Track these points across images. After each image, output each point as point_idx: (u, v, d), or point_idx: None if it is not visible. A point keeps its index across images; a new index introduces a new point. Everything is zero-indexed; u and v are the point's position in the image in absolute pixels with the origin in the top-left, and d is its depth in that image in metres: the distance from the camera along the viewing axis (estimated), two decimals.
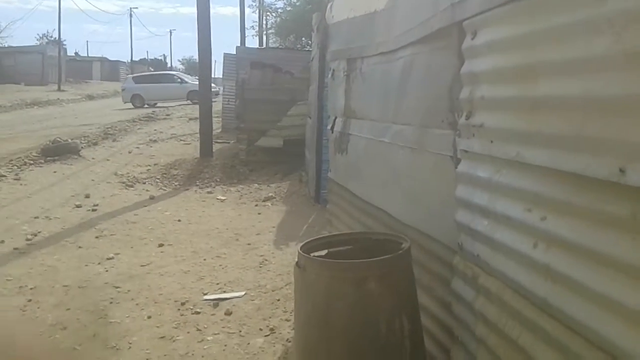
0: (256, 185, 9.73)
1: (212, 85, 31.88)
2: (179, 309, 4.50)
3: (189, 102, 29.25)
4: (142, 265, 5.59)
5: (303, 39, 23.61)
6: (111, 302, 4.62)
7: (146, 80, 31.58)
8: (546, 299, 1.82)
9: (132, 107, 28.51)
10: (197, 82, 30.02)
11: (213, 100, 29.22)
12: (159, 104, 29.71)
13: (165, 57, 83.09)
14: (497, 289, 2.16)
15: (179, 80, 31.23)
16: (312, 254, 2.83)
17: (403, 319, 2.63)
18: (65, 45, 52.19)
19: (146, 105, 29.00)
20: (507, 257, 2.08)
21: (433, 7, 2.79)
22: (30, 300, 4.61)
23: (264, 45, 30.71)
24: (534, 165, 1.89)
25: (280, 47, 25.81)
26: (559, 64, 1.73)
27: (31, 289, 4.87)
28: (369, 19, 4.15)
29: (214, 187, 9.68)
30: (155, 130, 17.91)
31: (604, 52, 1.53)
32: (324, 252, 3.00)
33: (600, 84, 1.55)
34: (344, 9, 4.97)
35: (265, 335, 4.02)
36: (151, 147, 14.18)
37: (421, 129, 3.11)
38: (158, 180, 10.14)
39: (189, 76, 34.33)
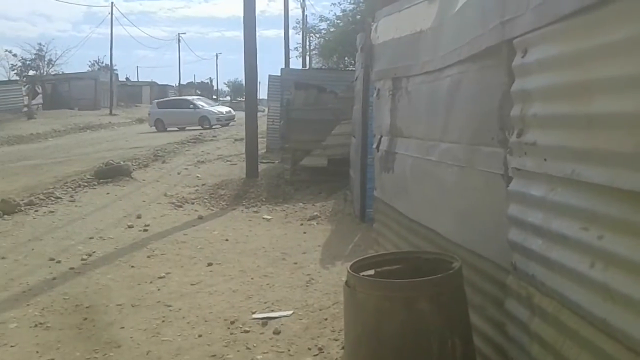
0: (301, 204, 9.80)
1: (229, 109, 32.10)
2: (228, 328, 4.55)
3: (199, 127, 28.93)
4: (192, 284, 5.69)
5: (346, 59, 23.79)
6: (163, 321, 4.71)
7: (167, 105, 31.59)
8: (605, 320, 1.77)
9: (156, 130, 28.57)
10: (211, 108, 30.59)
11: (231, 124, 29.52)
12: (187, 128, 29.55)
13: (211, 80, 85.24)
14: (554, 309, 2.12)
15: (191, 106, 31.13)
16: (361, 273, 2.83)
17: (455, 339, 2.59)
18: (116, 70, 54.19)
19: (169, 129, 28.75)
20: (564, 277, 2.04)
21: (481, 25, 2.79)
22: (85, 319, 4.76)
23: (308, 66, 31.12)
24: (590, 183, 1.85)
25: (324, 67, 26.10)
26: (615, 81, 1.71)
27: (87, 307, 5.03)
28: (414, 39, 4.17)
29: (260, 207, 9.80)
30: (202, 151, 18.31)
31: None
32: (372, 272, 2.99)
33: None
34: (390, 29, 5.00)
35: (314, 355, 4.02)
36: (199, 168, 14.50)
37: (470, 147, 3.09)
38: (206, 201, 10.35)
39: (208, 101, 34.21)
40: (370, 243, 5.87)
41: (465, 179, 3.18)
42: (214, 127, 29.15)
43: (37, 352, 4.11)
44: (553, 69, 2.09)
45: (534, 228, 2.26)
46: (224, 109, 32.14)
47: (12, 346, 4.21)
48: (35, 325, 4.60)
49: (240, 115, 17.97)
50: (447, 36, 3.49)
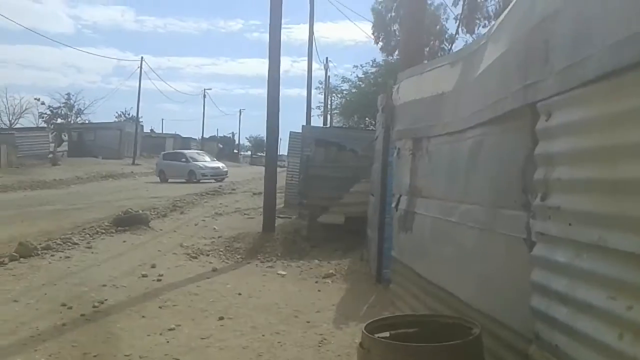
0: (317, 261, 9.67)
1: (220, 165, 32.10)
2: None
3: (184, 180, 29.16)
4: (202, 338, 5.56)
5: (367, 119, 24.14)
6: None
7: (169, 157, 32.42)
8: None
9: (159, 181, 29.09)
10: (198, 163, 30.69)
11: (224, 179, 29.43)
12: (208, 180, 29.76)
13: (233, 135, 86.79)
14: None
15: (183, 159, 31.47)
16: (375, 335, 2.75)
17: None
18: (142, 122, 55.63)
19: (170, 181, 29.13)
20: (590, 349, 1.94)
21: (504, 88, 2.80)
22: None
23: (329, 125, 31.60)
24: (618, 250, 1.79)
25: (344, 126, 26.47)
26: (638, 146, 1.68)
27: (94, 356, 4.93)
28: (436, 100, 4.21)
29: (275, 262, 9.70)
30: (220, 204, 18.39)
31: None
32: (387, 334, 2.90)
33: None
34: (411, 91, 5.08)
35: None
36: (216, 220, 14.51)
37: (492, 209, 3.04)
38: (221, 253, 10.28)
39: (204, 156, 34.23)
40: (386, 304, 5.73)
41: (486, 242, 3.12)
42: (201, 181, 29.12)
43: None
44: (577, 133, 2.07)
45: (559, 295, 2.18)
46: (215, 164, 32.14)
47: None
48: None
49: (260, 170, 18.12)
50: (469, 98, 3.52)
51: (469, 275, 3.33)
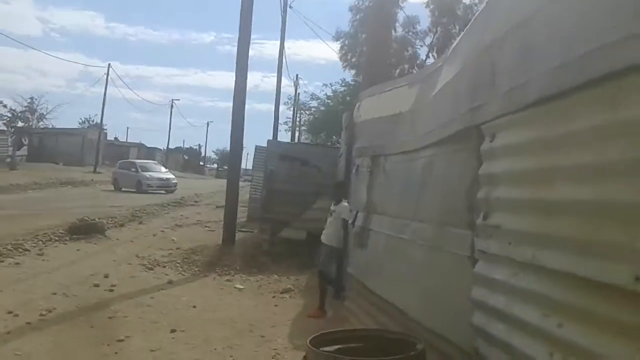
0: (276, 276, 9.62)
1: (169, 177, 31.88)
2: None
3: (135, 190, 28.88)
4: (151, 350, 5.45)
5: (334, 137, 24.31)
6: None
7: (123, 166, 32.07)
8: None
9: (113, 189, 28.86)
10: (146, 173, 30.50)
11: (174, 190, 29.30)
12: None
13: (200, 147, 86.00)
14: None
15: (133, 169, 31.15)
16: (321, 349, 2.75)
17: None
18: (106, 129, 54.64)
19: (123, 190, 28.89)
20: None
21: (454, 110, 2.88)
22: None
23: (297, 140, 31.66)
24: (550, 269, 1.85)
25: (311, 142, 26.56)
26: (574, 169, 1.75)
27: None
28: (393, 119, 4.29)
29: (234, 275, 9.60)
30: (181, 215, 18.15)
31: (618, 158, 1.54)
32: (334, 348, 2.90)
33: (615, 189, 1.55)
34: (371, 109, 5.15)
35: None
36: (175, 231, 14.30)
37: (440, 228, 3.10)
38: (178, 265, 10.12)
39: (156, 166, 33.87)
40: (342, 321, 5.73)
41: (433, 260, 3.17)
42: (149, 191, 28.83)
43: None
44: (517, 155, 2.14)
45: (497, 312, 2.23)
46: (163, 176, 31.79)
47: None
48: None
49: (225, 183, 17.99)
50: (423, 118, 3.60)
51: (417, 292, 3.37)
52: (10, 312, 6.18)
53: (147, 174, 30.44)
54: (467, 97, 2.68)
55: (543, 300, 1.92)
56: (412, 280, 3.52)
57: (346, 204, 7.20)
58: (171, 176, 31.92)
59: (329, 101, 26.71)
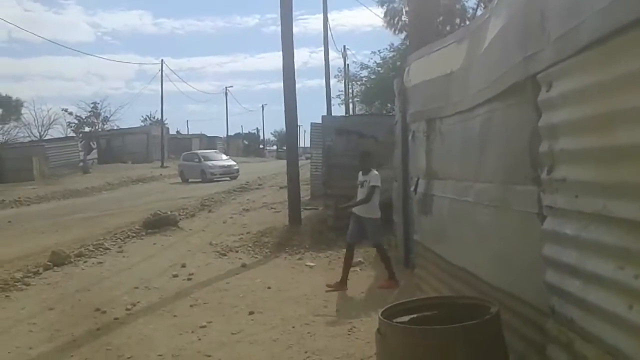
0: (344, 250, 9.68)
1: (231, 163, 32.09)
2: None
3: (200, 180, 29.31)
4: (233, 334, 5.65)
5: (388, 104, 23.95)
6: None
7: (187, 158, 32.83)
8: None
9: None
10: (208, 162, 30.79)
11: (237, 177, 29.48)
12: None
13: (258, 131, 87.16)
14: (595, 356, 1.97)
15: (196, 159, 31.68)
16: (395, 320, 2.74)
17: None
18: (167, 124, 56.29)
19: (190, 181, 29.72)
20: (602, 321, 1.91)
21: (505, 63, 2.76)
22: None
23: (351, 113, 31.48)
24: (622, 219, 1.75)
25: (366, 113, 26.31)
26: (634, 111, 1.63)
27: (128, 358, 5.05)
28: (445, 80, 4.16)
29: (303, 254, 9.74)
30: (247, 199, 18.55)
31: None
32: (407, 318, 2.89)
33: None
34: (421, 71, 5.02)
35: None
36: (244, 216, 14.64)
37: (504, 186, 3.01)
38: (250, 249, 10.38)
39: (218, 155, 34.19)
40: (414, 289, 5.71)
41: (501, 220, 3.09)
42: (214, 180, 29.25)
43: None
44: (576, 102, 2.02)
45: (570, 269, 2.15)
46: (225, 163, 32.17)
47: None
48: None
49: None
50: (476, 75, 3.47)
51: (487, 254, 3.30)
52: (98, 310, 6.56)
53: (209, 163, 31.21)
54: (518, 48, 2.56)
55: (617, 252, 1.83)
56: (480, 243, 3.44)
57: (376, 172, 7.15)
58: (233, 162, 32.57)
59: (379, 69, 26.26)
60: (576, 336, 2.13)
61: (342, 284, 6.99)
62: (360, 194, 7.35)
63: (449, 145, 4.17)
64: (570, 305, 2.16)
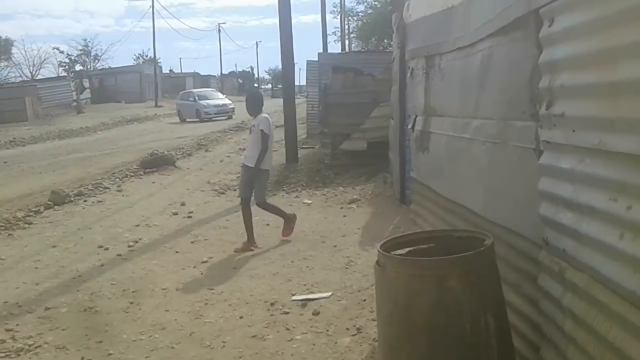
0: (341, 188, 9.82)
1: (226, 102, 31.71)
2: (268, 309, 4.65)
3: (197, 119, 29.36)
4: (233, 268, 5.82)
5: (385, 40, 23.53)
6: (206, 304, 4.85)
7: (183, 98, 32.72)
8: (635, 292, 1.73)
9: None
10: (202, 102, 30.48)
11: (232, 116, 29.25)
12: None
13: (252, 69, 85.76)
14: (585, 283, 2.07)
15: (191, 99, 31.54)
16: (392, 253, 2.84)
17: (488, 317, 2.56)
18: (160, 63, 55.42)
19: (188, 120, 29.75)
20: (594, 250, 1.99)
21: None
22: (132, 303, 4.94)
23: (347, 50, 30.95)
24: (617, 153, 1.80)
25: (362, 50, 25.88)
26: (635, 46, 1.64)
27: (133, 292, 5.22)
28: (446, 15, 4.10)
29: (300, 192, 9.88)
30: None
31: None
32: (404, 251, 2.99)
33: None
34: (421, 6, 4.93)
35: (352, 335, 4.06)
36: (240, 155, 14.68)
37: (502, 122, 3.03)
38: None
39: (213, 93, 33.67)
40: (410, 224, 5.84)
41: (498, 155, 3.13)
42: (212, 119, 29.14)
43: (86, 335, 4.30)
44: (578, 37, 2.02)
45: (564, 201, 2.21)
46: (219, 102, 31.80)
47: (63, 329, 4.42)
48: (85, 310, 4.81)
49: (281, 102, 18.08)
50: (477, 10, 3.42)
51: (483, 190, 3.37)
52: (101, 247, 6.72)
53: (203, 102, 30.93)
54: None
55: (611, 185, 1.89)
56: (477, 178, 3.50)
57: (265, 115, 6.63)
58: (228, 102, 32.27)
59: (376, 3, 25.65)
60: (567, 265, 2.23)
61: (250, 243, 6.49)
62: (249, 140, 6.81)
63: (448, 82, 4.16)
64: (563, 237, 2.24)
